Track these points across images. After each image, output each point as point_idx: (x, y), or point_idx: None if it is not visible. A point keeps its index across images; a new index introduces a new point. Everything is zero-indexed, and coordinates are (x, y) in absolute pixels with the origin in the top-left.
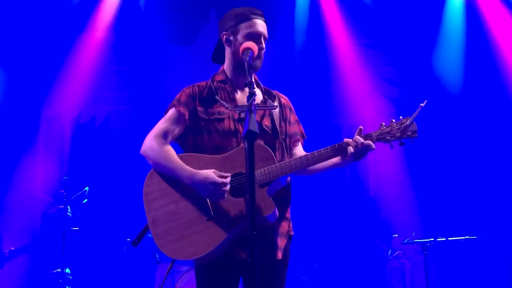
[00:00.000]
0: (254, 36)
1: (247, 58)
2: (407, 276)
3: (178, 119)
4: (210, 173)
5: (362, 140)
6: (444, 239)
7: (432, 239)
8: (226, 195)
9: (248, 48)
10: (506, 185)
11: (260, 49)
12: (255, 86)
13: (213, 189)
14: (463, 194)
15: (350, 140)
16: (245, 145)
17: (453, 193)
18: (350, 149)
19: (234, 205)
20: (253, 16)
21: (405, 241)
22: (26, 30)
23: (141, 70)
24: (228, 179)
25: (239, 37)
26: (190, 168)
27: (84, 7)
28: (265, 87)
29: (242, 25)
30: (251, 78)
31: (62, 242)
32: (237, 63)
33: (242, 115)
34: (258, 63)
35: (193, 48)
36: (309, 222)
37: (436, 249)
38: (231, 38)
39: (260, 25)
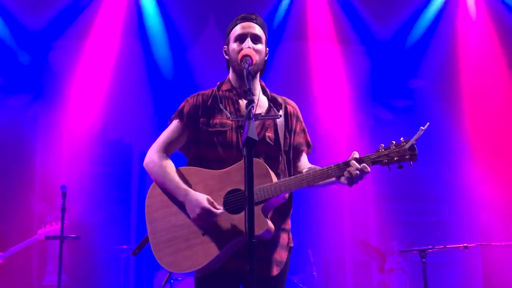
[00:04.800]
0: (240, 39)
1: (246, 65)
2: (406, 285)
3: (181, 131)
4: (203, 198)
5: (358, 168)
6: (443, 247)
7: (430, 247)
8: (217, 217)
9: (246, 55)
10: (505, 192)
11: (255, 51)
12: (261, 93)
13: (199, 215)
14: (461, 201)
15: (350, 166)
16: (243, 152)
17: (451, 200)
18: (346, 173)
19: (229, 221)
20: (238, 22)
21: (403, 249)
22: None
23: (140, 76)
24: (219, 211)
25: (230, 45)
26: (185, 187)
27: (83, 18)
28: (272, 94)
29: (231, 34)
30: (249, 85)
31: (59, 250)
32: (236, 72)
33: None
34: (256, 67)
35: (192, 54)
36: (308, 231)
37: (434, 257)
38: (226, 49)
39: (245, 26)
